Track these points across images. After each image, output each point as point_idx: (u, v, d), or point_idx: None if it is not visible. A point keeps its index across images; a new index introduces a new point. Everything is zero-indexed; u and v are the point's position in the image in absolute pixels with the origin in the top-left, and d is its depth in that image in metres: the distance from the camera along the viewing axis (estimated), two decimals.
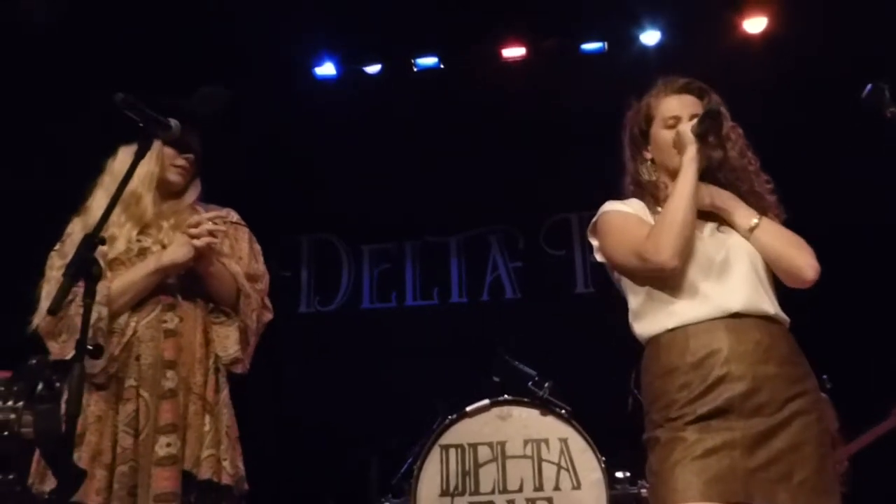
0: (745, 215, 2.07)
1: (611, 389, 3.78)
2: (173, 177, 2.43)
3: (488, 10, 5.13)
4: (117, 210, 2.12)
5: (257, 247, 2.54)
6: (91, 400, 2.11)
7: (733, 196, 2.10)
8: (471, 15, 5.14)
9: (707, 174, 2.15)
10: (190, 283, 2.31)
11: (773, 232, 2.06)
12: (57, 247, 2.36)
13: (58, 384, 1.69)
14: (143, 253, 2.29)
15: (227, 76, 5.13)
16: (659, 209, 2.12)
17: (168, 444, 2.09)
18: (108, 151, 2.46)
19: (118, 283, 2.20)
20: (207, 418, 2.20)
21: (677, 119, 2.15)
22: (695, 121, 2.09)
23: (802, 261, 2.03)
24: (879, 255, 4.63)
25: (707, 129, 2.06)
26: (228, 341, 2.30)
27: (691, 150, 2.07)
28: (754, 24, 5.23)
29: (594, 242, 2.23)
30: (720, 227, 2.10)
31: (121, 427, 2.10)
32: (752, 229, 2.04)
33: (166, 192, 2.45)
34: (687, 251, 2.00)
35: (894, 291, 4.61)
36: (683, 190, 2.03)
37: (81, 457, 2.02)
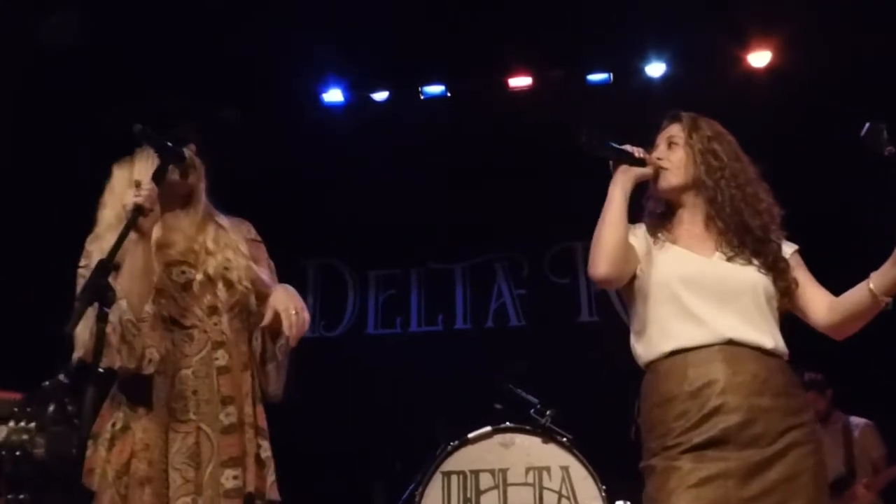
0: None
1: (613, 418, 3.78)
2: (174, 176, 2.28)
3: (495, 40, 5.19)
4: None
5: (272, 264, 2.54)
6: (139, 427, 2.14)
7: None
8: (478, 44, 5.20)
9: (702, 193, 2.20)
10: (238, 321, 2.35)
11: None
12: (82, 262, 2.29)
13: (70, 407, 1.73)
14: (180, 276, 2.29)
15: (234, 101, 5.21)
16: (659, 235, 2.21)
17: (235, 477, 2.15)
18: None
19: (120, 279, 2.10)
20: (266, 444, 2.30)
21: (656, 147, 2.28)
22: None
23: None
24: None
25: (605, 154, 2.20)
26: (269, 378, 2.41)
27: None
28: (758, 58, 5.30)
29: None
30: (730, 257, 2.13)
31: (181, 459, 2.13)
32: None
33: (175, 200, 2.36)
34: (620, 260, 2.10)
35: None
36: (607, 207, 2.14)
37: (129, 483, 2.07)
